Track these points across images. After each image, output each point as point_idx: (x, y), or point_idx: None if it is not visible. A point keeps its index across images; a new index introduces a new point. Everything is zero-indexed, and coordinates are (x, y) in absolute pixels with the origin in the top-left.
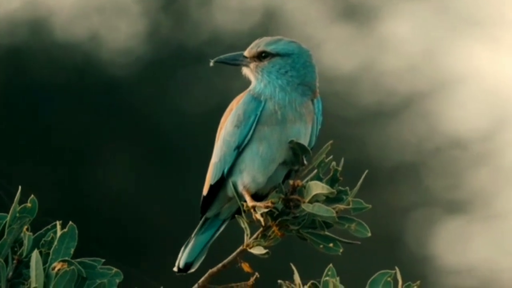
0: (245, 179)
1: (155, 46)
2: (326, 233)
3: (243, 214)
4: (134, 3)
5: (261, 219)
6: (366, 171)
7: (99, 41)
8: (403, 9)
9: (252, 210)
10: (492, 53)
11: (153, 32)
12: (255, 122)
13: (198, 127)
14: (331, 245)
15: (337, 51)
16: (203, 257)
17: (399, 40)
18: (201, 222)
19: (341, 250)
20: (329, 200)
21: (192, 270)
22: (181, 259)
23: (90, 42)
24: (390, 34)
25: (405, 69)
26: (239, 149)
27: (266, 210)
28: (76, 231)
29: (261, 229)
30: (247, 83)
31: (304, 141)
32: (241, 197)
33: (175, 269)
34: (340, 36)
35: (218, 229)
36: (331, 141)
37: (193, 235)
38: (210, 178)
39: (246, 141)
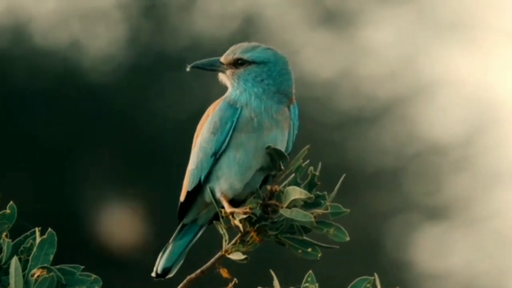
0: (223, 185)
1: (135, 52)
2: (305, 238)
3: (221, 220)
4: (115, 9)
5: (240, 226)
6: (344, 175)
7: (80, 47)
8: (383, 15)
9: (230, 217)
10: (471, 58)
11: (134, 38)
12: (231, 129)
13: (179, 132)
14: (309, 250)
15: (317, 56)
16: (181, 263)
17: (378, 45)
18: (178, 228)
19: (319, 255)
20: (307, 205)
21: (170, 275)
22: (159, 265)
23: (71, 48)
24: (369, 39)
25: (385, 75)
26: (216, 156)
27: (244, 216)
28: (55, 238)
29: (239, 234)
30: (227, 88)
31: (281, 147)
32: (219, 204)
33: (153, 274)
34: (320, 42)
35: (195, 235)
36: (307, 146)
37: (170, 241)
38: (187, 184)
39: (222, 148)
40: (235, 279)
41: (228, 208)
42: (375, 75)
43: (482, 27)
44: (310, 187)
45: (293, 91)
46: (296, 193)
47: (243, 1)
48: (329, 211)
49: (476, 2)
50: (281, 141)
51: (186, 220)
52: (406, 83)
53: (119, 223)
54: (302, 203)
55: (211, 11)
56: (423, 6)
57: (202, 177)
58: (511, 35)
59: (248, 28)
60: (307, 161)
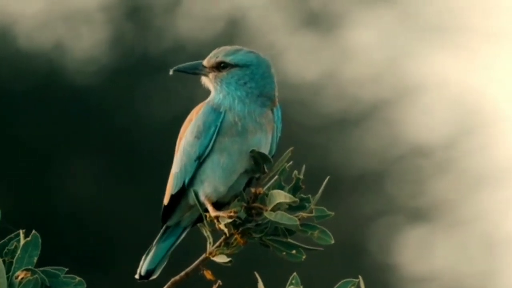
0: (207, 189)
1: (119, 54)
2: (289, 240)
3: (205, 222)
4: (98, 11)
5: (225, 230)
6: (328, 177)
7: (64, 49)
8: (367, 17)
9: (215, 221)
10: (455, 61)
11: (118, 40)
12: (215, 133)
13: (163, 134)
14: (293, 252)
15: (300, 59)
16: (164, 264)
17: (362, 48)
18: (162, 230)
19: (303, 257)
20: (291, 208)
21: (154, 277)
22: (143, 267)
23: (55, 50)
24: (353, 42)
25: (369, 77)
26: (200, 160)
27: (230, 220)
28: (40, 240)
29: (223, 237)
30: (206, 87)
31: (265, 150)
32: (203, 207)
33: (136, 276)
34: (303, 44)
35: (179, 237)
36: (291, 148)
37: (154, 243)
38: (171, 188)
39: (206, 152)
40: (219, 281)
41: (212, 212)
42: (359, 77)
43: (466, 29)
44: (294, 190)
45: (276, 94)
46: (281, 196)
47: (227, 3)
48: (313, 214)
49: (460, 5)
50: (265, 144)
51: (169, 222)
52: (390, 85)
53: (104, 224)
54: (287, 206)
55: (195, 13)
56: (407, 8)
57: (186, 181)
58: (494, 37)
59: (232, 30)
60: (291, 162)
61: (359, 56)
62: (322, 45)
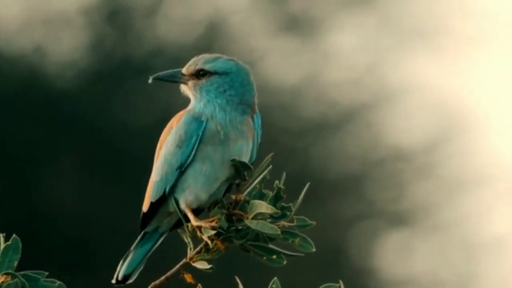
0: (188, 197)
1: (99, 57)
2: (270, 245)
3: (186, 229)
4: (79, 15)
5: (209, 242)
6: (308, 184)
7: (43, 53)
8: (347, 21)
9: (198, 232)
10: (435, 65)
11: (98, 44)
12: (197, 142)
13: (143, 138)
14: (274, 257)
15: (281, 63)
16: (140, 269)
17: (342, 52)
18: (140, 236)
19: (284, 262)
20: (273, 216)
21: (130, 281)
22: (120, 272)
23: (35, 54)
24: (334, 46)
25: (349, 81)
26: (182, 169)
27: (213, 232)
28: (20, 244)
29: (204, 242)
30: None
31: (246, 157)
32: (183, 214)
33: (113, 281)
34: (284, 48)
35: (156, 242)
36: (272, 154)
37: (132, 248)
38: (150, 195)
39: (188, 161)
40: (199, 285)
41: (194, 221)
42: (339, 81)
43: (447, 33)
44: (275, 200)
45: (256, 101)
46: (262, 207)
47: (207, 8)
48: (295, 223)
49: (440, 9)
50: (247, 152)
51: (148, 228)
52: (370, 89)
53: (83, 229)
54: (268, 216)
55: (175, 17)
56: (387, 13)
57: (167, 189)
58: (475, 41)
59: (212, 34)
60: (270, 167)
61: (339, 60)
62: (303, 49)
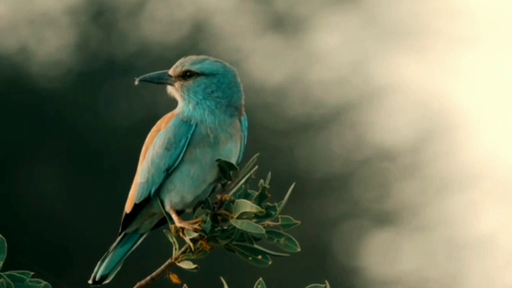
0: (173, 198)
1: (84, 57)
2: (255, 246)
3: (171, 228)
4: (63, 14)
5: (191, 244)
6: (293, 184)
7: (28, 53)
8: (331, 21)
9: (181, 233)
10: (419, 64)
11: (82, 44)
12: (186, 145)
13: (126, 139)
14: (259, 257)
15: (265, 62)
16: (118, 269)
17: (327, 51)
18: (120, 237)
19: (270, 262)
20: (258, 216)
21: (107, 281)
22: (98, 272)
23: (19, 53)
24: (318, 45)
25: (334, 81)
26: (169, 171)
27: (195, 234)
28: (5, 244)
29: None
30: (172, 97)
31: (234, 159)
32: (168, 216)
33: (90, 281)
34: (268, 48)
35: (135, 243)
36: (257, 154)
37: (111, 249)
38: (134, 197)
39: (176, 164)
40: (185, 285)
41: (178, 223)
42: (324, 81)
43: (431, 32)
44: (260, 199)
45: (243, 103)
46: (247, 206)
47: (191, 7)
48: (280, 223)
49: (424, 8)
50: (235, 154)
51: (128, 229)
52: (354, 89)
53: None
54: (253, 215)
55: (160, 17)
56: (371, 12)
57: (152, 191)
58: (459, 41)
59: (196, 34)
60: (256, 167)
61: (324, 59)
62: (287, 48)
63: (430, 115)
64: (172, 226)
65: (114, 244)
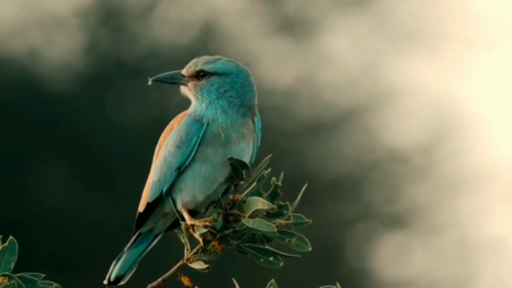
0: (185, 197)
1: (93, 60)
2: (266, 247)
3: (183, 229)
4: (73, 17)
5: (200, 240)
6: (306, 184)
7: (37, 55)
8: (342, 23)
9: (191, 230)
10: (430, 66)
11: (92, 46)
12: (197, 144)
13: (135, 141)
14: (271, 259)
15: (275, 64)
16: (133, 271)
17: (338, 53)
18: (134, 237)
19: (281, 264)
20: (269, 215)
21: (122, 282)
22: (113, 273)
23: (29, 56)
24: (328, 48)
25: (344, 83)
26: (180, 170)
27: (204, 230)
28: (17, 246)
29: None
30: (185, 98)
31: (247, 160)
32: (180, 215)
33: (105, 282)
34: (278, 50)
35: (150, 243)
36: (270, 155)
37: (125, 249)
38: (147, 196)
39: (187, 162)
40: (196, 287)
41: (189, 220)
42: (334, 83)
43: (442, 34)
44: (272, 197)
45: (256, 103)
46: (259, 203)
47: (201, 9)
48: (291, 221)
49: (435, 10)
50: (247, 154)
51: (142, 229)
52: (365, 91)
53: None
54: (265, 213)
55: (169, 19)
56: (382, 14)
57: (164, 190)
58: (470, 43)
59: (206, 36)
60: (269, 170)
61: (334, 61)
62: (297, 50)
63: (442, 117)
64: (183, 224)
65: (129, 244)
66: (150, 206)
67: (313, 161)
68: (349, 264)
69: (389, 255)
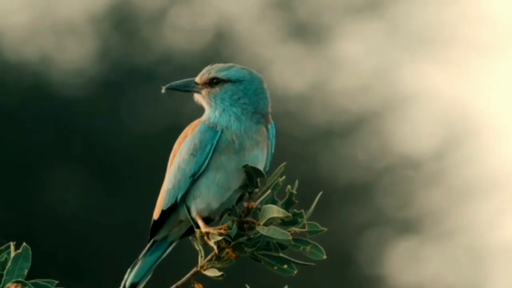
0: (199, 205)
1: (106, 66)
2: (280, 254)
3: (197, 236)
4: (86, 23)
5: (215, 247)
6: (320, 193)
7: (50, 61)
8: (354, 28)
9: (205, 237)
10: (443, 72)
11: (105, 53)
12: (211, 151)
13: (148, 147)
14: (285, 266)
15: (288, 70)
16: (148, 278)
17: (350, 59)
18: (149, 244)
19: (295, 272)
20: (284, 223)
21: None
22: (128, 280)
23: (42, 62)
24: (341, 53)
25: (357, 88)
26: (194, 177)
27: (219, 238)
28: (30, 252)
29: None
30: (199, 104)
31: (261, 167)
32: (194, 222)
33: None
34: (291, 56)
35: (165, 251)
36: (284, 163)
37: (140, 256)
38: (162, 203)
39: (202, 170)
40: None
41: (203, 228)
42: (347, 88)
43: (454, 40)
44: (287, 205)
45: (270, 110)
46: (274, 211)
47: (213, 15)
48: (306, 229)
49: (447, 17)
50: (261, 161)
51: (157, 236)
52: (378, 96)
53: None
54: (280, 221)
55: (182, 25)
56: (394, 20)
57: (179, 197)
58: (482, 49)
59: (218, 42)
60: (284, 177)
61: (347, 67)
62: (310, 56)
63: (454, 122)
64: (197, 231)
65: (144, 251)
66: (165, 214)
67: (325, 167)
68: (361, 270)
69: (402, 261)
